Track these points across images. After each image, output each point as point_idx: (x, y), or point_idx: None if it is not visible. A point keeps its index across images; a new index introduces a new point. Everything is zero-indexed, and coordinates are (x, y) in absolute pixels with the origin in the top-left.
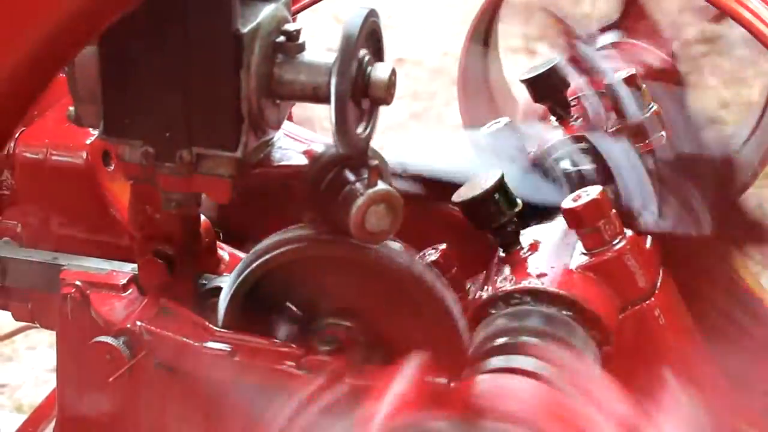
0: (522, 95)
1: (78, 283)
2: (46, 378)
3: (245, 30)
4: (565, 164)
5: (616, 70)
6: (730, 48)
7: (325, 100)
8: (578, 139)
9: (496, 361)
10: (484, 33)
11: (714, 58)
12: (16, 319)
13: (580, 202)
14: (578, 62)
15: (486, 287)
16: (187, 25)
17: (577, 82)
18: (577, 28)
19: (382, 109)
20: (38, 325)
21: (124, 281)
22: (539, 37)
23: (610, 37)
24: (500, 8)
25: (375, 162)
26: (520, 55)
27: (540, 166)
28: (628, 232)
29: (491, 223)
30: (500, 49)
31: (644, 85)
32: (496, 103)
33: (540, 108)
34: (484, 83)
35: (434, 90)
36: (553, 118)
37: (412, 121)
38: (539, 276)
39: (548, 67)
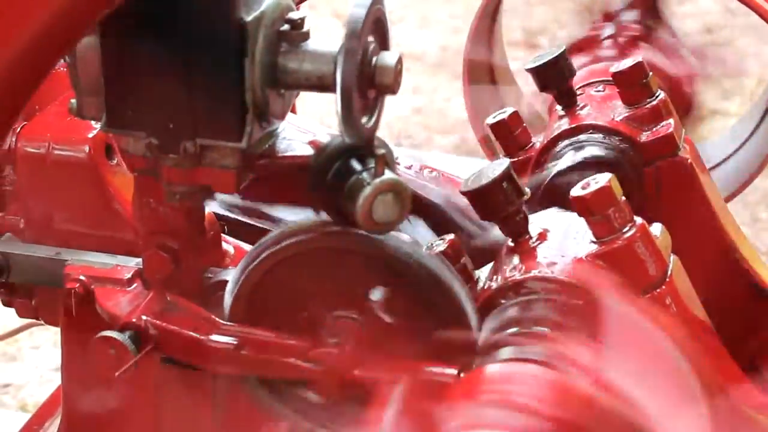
0: (527, 87)
1: (82, 277)
2: (50, 377)
3: (249, 18)
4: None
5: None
6: (733, 39)
7: (330, 88)
8: (583, 128)
9: (507, 351)
10: (487, 25)
11: (716, 49)
12: (20, 316)
13: (589, 189)
14: (585, 49)
15: (495, 277)
16: (190, 14)
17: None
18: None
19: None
20: (42, 322)
21: (129, 275)
22: (540, 30)
23: (631, 15)
24: (503, 1)
25: (382, 151)
26: (521, 50)
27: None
28: (638, 220)
29: (499, 212)
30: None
31: (651, 73)
32: (500, 95)
33: (546, 97)
34: (489, 75)
35: (435, 85)
36: (558, 107)
37: (413, 116)
38: (549, 265)
39: (553, 56)
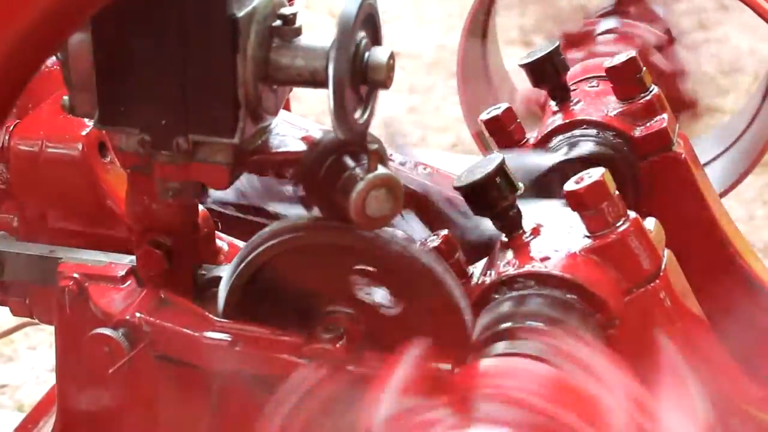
0: (521, 84)
1: (75, 275)
2: (46, 378)
3: (241, 14)
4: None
5: (615, 54)
6: (728, 36)
7: (323, 84)
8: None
9: (501, 346)
10: (481, 22)
11: (711, 46)
12: (15, 315)
13: (583, 184)
14: (576, 45)
15: (489, 272)
16: (182, 10)
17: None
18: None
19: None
20: (37, 322)
21: (122, 273)
22: (535, 28)
23: (608, 23)
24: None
25: (374, 147)
26: (517, 47)
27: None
28: (632, 214)
29: (493, 207)
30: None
31: (644, 68)
32: (495, 91)
33: (540, 93)
34: (484, 72)
35: (431, 83)
36: (552, 103)
37: (409, 115)
38: (543, 260)
39: (547, 52)
